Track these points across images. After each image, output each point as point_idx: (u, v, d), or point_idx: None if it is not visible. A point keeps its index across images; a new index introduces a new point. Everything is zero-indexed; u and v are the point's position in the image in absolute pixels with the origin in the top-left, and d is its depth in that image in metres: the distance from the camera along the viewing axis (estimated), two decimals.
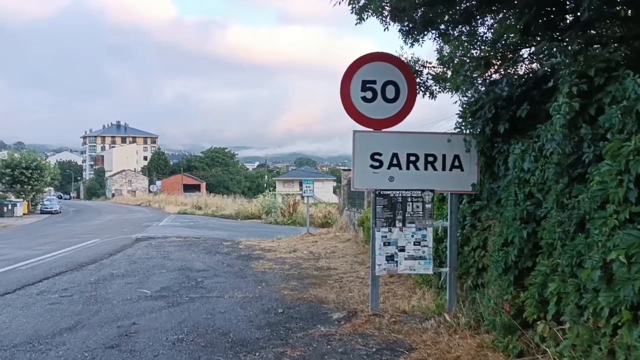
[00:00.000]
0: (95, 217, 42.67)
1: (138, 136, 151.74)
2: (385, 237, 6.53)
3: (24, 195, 50.20)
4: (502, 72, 6.73)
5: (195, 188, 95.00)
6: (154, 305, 7.54)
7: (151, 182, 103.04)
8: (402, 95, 6.54)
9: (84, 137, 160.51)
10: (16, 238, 21.47)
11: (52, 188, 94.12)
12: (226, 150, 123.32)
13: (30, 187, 50.78)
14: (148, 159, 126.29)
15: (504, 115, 5.74)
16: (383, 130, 6.58)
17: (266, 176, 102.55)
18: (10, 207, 45.15)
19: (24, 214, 46.72)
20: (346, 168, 22.25)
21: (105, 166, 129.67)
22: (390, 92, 6.53)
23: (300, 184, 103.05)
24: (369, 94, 6.52)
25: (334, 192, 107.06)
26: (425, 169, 6.51)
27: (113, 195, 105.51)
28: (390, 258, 6.56)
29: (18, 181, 49.85)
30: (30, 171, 50.19)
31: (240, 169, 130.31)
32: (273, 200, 34.56)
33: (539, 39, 6.64)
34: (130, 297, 8.19)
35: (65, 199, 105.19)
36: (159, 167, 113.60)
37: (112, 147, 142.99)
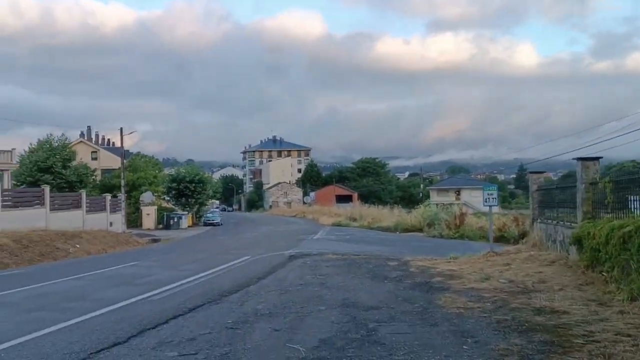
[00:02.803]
0: (252, 229, 42.63)
1: (292, 149, 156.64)
2: None
3: (188, 208, 52.41)
4: None
5: (347, 199, 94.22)
6: None
7: (305, 194, 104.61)
8: None
9: (244, 153, 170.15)
10: (171, 253, 20.75)
11: (218, 201, 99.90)
12: (377, 160, 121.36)
13: (194, 200, 52.87)
14: (302, 171, 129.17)
15: None
16: None
17: (422, 185, 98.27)
18: (176, 219, 47.17)
19: (188, 226, 48.54)
20: (535, 171, 18.05)
21: (263, 179, 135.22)
22: None
23: (457, 192, 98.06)
24: None
25: None
26: None
27: (270, 206, 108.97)
28: None
29: (183, 195, 52.17)
30: (194, 185, 52.26)
31: (392, 179, 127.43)
32: (436, 211, 30.99)
33: None
34: (275, 357, 5.51)
35: (228, 211, 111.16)
36: (312, 178, 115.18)
37: (269, 160, 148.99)
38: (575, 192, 12.80)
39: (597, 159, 12.39)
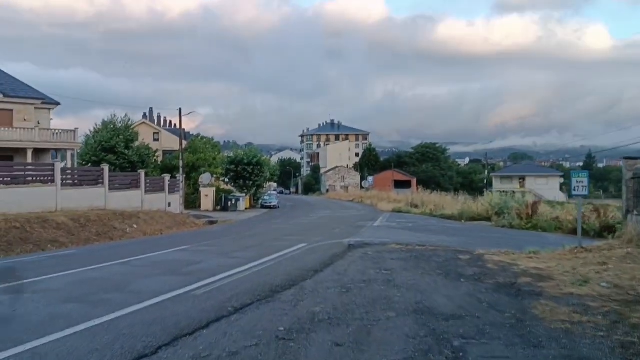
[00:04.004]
0: (309, 213, 41.65)
1: (350, 134, 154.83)
2: None
3: (246, 190, 52.05)
4: None
5: (406, 184, 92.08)
6: None
7: (363, 178, 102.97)
8: None
9: (302, 136, 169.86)
10: (224, 237, 19.92)
11: (275, 184, 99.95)
12: (437, 146, 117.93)
13: (251, 182, 52.43)
14: (359, 156, 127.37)
15: None
16: None
17: (486, 172, 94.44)
18: (234, 201, 46.86)
19: (246, 209, 48.15)
20: (630, 157, 15.85)
21: (320, 163, 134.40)
22: None
23: (522, 180, 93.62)
24: None
25: (561, 189, 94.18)
26: None
27: (327, 190, 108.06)
28: None
29: (241, 177, 51.82)
30: (252, 167, 51.78)
31: (452, 165, 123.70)
32: (505, 200, 28.77)
33: None
34: None
35: (286, 193, 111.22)
36: (369, 163, 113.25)
37: (327, 144, 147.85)
38: None
39: None
